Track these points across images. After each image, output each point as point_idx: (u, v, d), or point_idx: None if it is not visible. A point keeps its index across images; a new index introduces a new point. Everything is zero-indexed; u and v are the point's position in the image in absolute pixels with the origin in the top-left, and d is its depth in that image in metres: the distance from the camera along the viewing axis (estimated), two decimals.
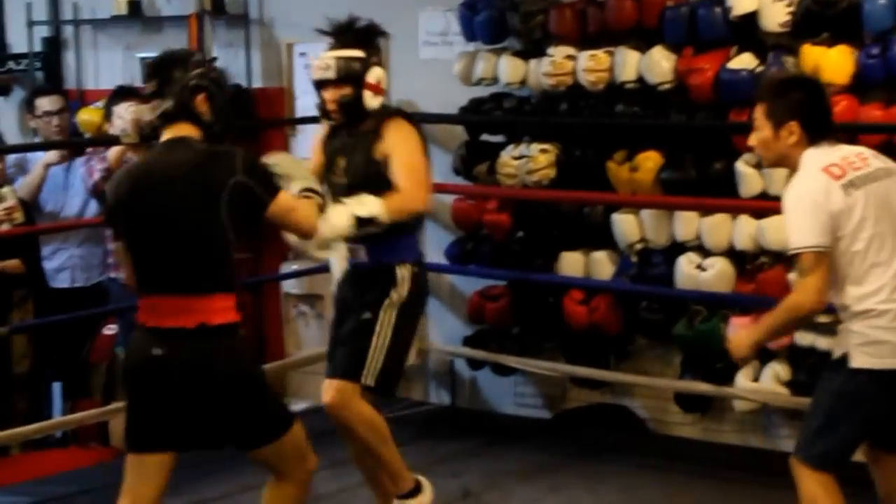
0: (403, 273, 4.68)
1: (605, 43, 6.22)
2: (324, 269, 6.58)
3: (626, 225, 6.14)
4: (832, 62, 5.64)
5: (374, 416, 4.65)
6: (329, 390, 4.62)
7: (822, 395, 4.05)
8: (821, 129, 4.05)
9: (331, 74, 4.64)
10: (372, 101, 4.66)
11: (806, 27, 5.73)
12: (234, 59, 7.56)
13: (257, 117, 7.56)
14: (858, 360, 3.92)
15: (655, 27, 6.08)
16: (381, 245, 4.63)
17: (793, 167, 4.07)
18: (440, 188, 6.77)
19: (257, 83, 7.60)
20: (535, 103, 6.51)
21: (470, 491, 5.61)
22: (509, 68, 6.47)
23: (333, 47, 4.69)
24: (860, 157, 4.05)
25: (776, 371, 5.84)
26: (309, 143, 7.19)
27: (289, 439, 4.07)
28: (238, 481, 5.72)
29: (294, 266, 7.38)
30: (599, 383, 6.43)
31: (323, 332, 7.21)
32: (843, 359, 3.98)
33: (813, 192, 3.94)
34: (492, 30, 6.53)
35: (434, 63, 6.90)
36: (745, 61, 5.84)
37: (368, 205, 4.47)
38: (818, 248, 3.88)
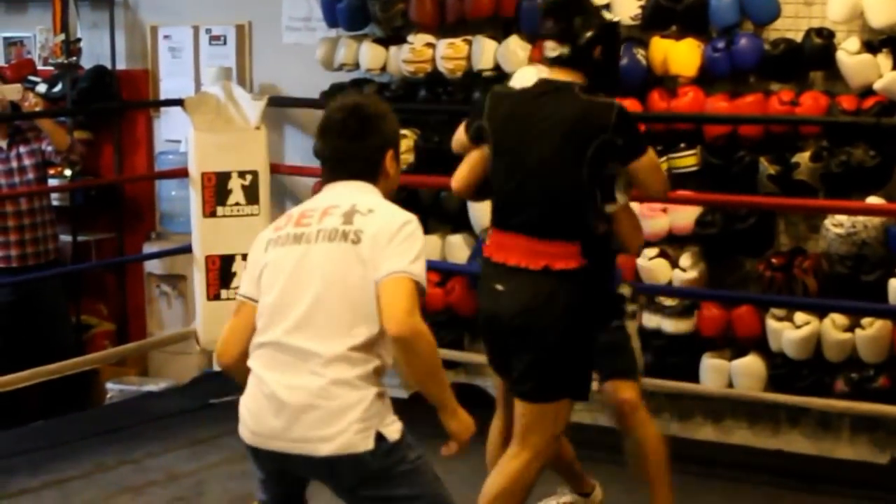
0: None
1: (463, 31, 6.36)
2: (186, 249, 6.64)
3: (480, 210, 6.21)
4: (680, 55, 5.87)
5: None
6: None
7: None
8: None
9: None
10: None
11: (655, 20, 5.92)
12: (98, 41, 7.56)
13: (121, 99, 7.55)
14: None
15: (512, 17, 6.23)
16: None
17: None
18: (301, 171, 6.88)
19: (121, 65, 7.59)
20: (395, 89, 6.59)
21: None
22: (370, 55, 6.56)
23: None
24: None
25: None
26: (173, 124, 7.31)
27: (554, 409, 4.12)
28: (95, 460, 5.76)
29: (156, 247, 7.41)
30: (454, 363, 6.47)
31: (185, 312, 7.27)
32: None
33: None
34: (353, 17, 6.61)
35: (297, 48, 6.96)
36: None
37: None
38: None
